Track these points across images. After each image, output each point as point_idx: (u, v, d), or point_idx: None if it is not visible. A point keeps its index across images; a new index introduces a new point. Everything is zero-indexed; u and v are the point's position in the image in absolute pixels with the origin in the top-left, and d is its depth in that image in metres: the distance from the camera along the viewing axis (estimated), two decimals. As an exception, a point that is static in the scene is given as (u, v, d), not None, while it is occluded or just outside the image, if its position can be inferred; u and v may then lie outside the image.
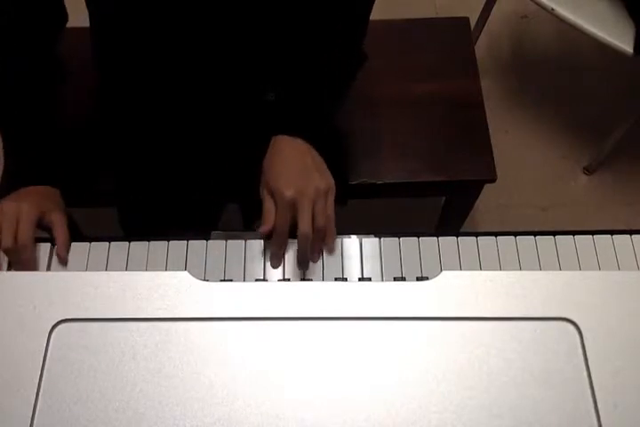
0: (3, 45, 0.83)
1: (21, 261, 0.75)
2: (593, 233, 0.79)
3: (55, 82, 0.88)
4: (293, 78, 0.91)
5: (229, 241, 0.78)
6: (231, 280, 0.75)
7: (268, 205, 0.77)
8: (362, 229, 0.81)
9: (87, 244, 0.78)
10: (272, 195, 0.77)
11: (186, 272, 0.60)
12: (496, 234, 0.79)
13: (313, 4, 0.84)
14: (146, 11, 0.80)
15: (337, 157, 1.03)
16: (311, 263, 0.78)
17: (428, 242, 0.78)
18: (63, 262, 0.77)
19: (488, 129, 1.19)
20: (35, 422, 0.53)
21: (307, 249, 0.76)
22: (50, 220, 0.78)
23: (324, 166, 0.81)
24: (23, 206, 0.76)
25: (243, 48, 0.84)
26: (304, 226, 0.75)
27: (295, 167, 0.79)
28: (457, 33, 1.30)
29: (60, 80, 0.88)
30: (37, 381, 0.55)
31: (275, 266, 0.77)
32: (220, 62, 0.86)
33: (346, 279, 0.77)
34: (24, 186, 0.80)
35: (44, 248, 0.78)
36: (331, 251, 0.78)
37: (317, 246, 0.77)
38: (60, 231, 0.77)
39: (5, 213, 0.75)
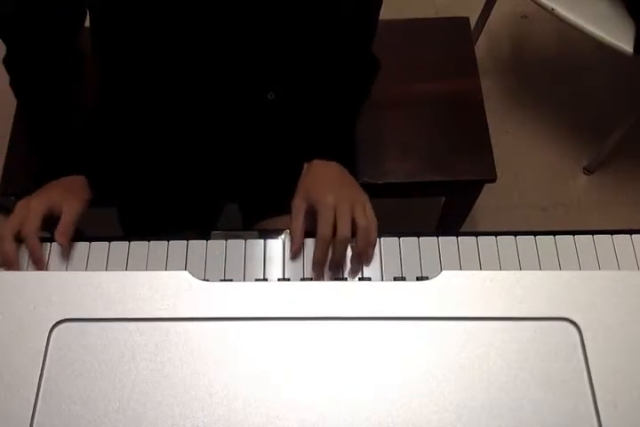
0: (26, 36, 0.85)
1: (30, 253, 0.75)
2: (593, 233, 0.79)
3: (78, 75, 0.89)
4: (293, 77, 0.91)
5: (229, 241, 0.78)
6: (231, 280, 0.75)
7: (297, 221, 0.78)
8: (362, 229, 0.80)
9: (87, 244, 0.78)
10: (311, 203, 0.79)
11: (186, 272, 0.60)
12: (496, 234, 0.79)
13: (311, 3, 0.84)
14: (146, 10, 0.80)
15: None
16: (310, 263, 0.77)
17: (428, 242, 0.78)
18: (64, 250, 0.76)
19: (488, 129, 1.19)
20: (35, 422, 0.53)
21: (343, 253, 0.76)
22: (60, 210, 0.78)
23: (358, 184, 0.85)
24: (32, 201, 0.78)
25: (243, 46, 0.84)
26: (343, 229, 0.76)
27: (333, 181, 0.83)
28: (457, 33, 1.30)
29: (79, 75, 0.90)
30: (37, 381, 0.55)
31: (318, 274, 0.76)
32: (220, 61, 0.86)
33: (346, 279, 0.77)
34: (51, 179, 0.82)
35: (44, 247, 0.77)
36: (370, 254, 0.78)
37: (363, 249, 0.76)
38: (65, 219, 0.77)
39: (16, 209, 0.77)
